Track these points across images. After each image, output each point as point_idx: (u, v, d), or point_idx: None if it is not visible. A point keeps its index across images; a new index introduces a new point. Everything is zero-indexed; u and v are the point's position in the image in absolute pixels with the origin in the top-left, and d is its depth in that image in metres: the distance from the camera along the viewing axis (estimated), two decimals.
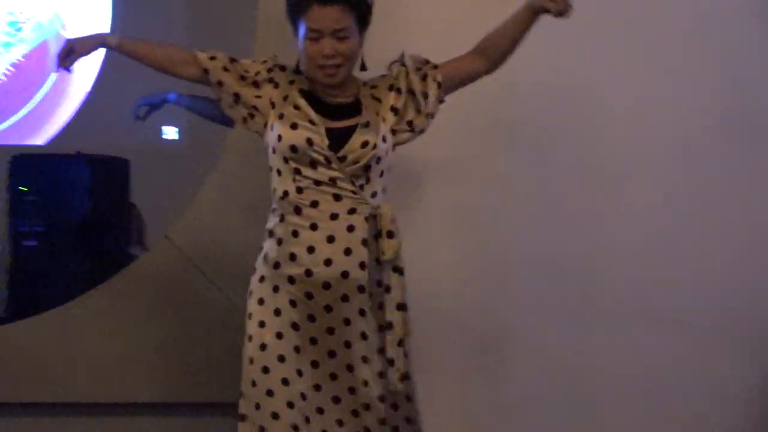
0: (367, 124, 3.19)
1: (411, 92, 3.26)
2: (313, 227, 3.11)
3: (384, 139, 3.20)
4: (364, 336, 3.15)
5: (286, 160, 3.15)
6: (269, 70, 3.26)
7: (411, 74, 3.26)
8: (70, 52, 3.20)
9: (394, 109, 3.25)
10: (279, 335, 3.12)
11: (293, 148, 3.13)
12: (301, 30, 3.15)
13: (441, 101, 3.30)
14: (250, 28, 4.22)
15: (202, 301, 4.23)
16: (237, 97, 3.23)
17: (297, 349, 3.14)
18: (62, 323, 4.28)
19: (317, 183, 3.13)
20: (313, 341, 3.14)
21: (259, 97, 3.24)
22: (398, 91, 3.26)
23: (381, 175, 3.22)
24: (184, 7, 6.66)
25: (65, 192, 5.22)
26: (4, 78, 7.27)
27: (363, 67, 3.27)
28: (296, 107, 3.18)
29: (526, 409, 4.29)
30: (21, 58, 7.18)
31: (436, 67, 3.30)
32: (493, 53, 3.31)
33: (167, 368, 4.25)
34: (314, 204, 3.13)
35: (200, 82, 3.30)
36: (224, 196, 4.23)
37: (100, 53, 3.44)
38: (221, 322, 4.12)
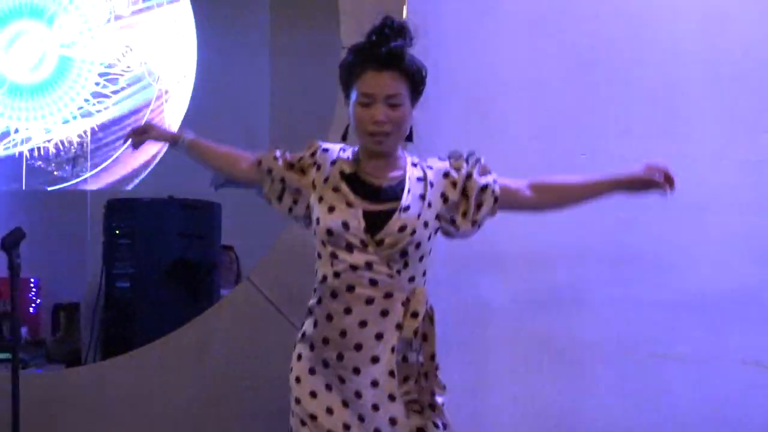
0: (407, 209, 3.06)
1: (465, 194, 3.16)
2: (347, 311, 3.02)
3: (426, 225, 3.08)
4: (392, 421, 3.03)
5: (324, 243, 3.06)
6: (313, 154, 3.18)
7: (473, 179, 3.15)
8: (144, 132, 3.32)
9: (444, 197, 3.14)
10: (313, 417, 3.04)
11: (329, 232, 3.03)
12: (353, 95, 3.07)
13: (492, 214, 3.19)
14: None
15: (282, 340, 4.33)
16: (283, 182, 3.20)
17: None
18: (149, 362, 4.45)
19: (353, 268, 3.02)
20: (347, 428, 3.03)
21: (302, 180, 3.16)
22: (454, 184, 3.15)
23: (421, 260, 3.10)
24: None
25: (158, 235, 5.33)
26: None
27: (410, 138, 3.16)
28: (335, 189, 3.09)
29: None
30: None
31: (495, 181, 3.18)
32: (550, 200, 3.26)
33: (253, 407, 4.38)
34: (350, 288, 3.02)
35: (254, 180, 3.28)
36: (303, 239, 4.33)
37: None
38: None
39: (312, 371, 3.07)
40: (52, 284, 7.19)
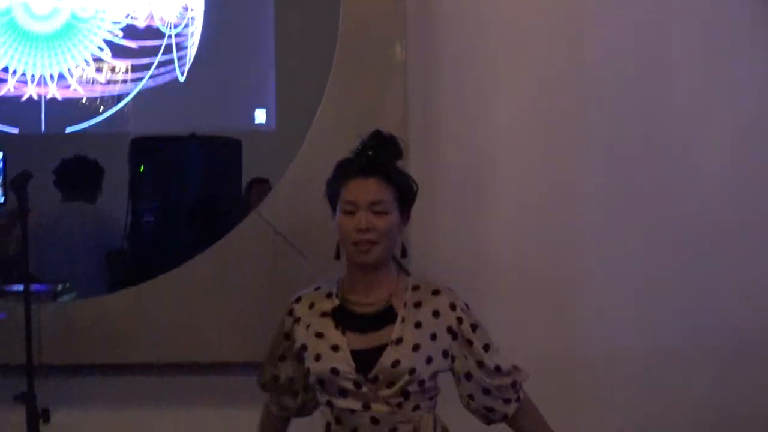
0: (399, 341, 2.85)
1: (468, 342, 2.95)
2: None
3: (429, 360, 2.87)
4: None
5: (320, 392, 2.95)
6: (290, 313, 3.04)
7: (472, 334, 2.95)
8: None
9: (451, 332, 2.93)
10: None
11: (321, 382, 2.89)
12: (339, 206, 2.94)
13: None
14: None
15: (293, 270, 4.54)
16: (279, 378, 3.12)
17: None
18: (166, 290, 4.68)
19: (351, 412, 2.87)
20: None
21: (291, 347, 3.04)
22: (459, 320, 2.94)
23: (425, 392, 2.91)
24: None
25: (181, 171, 5.59)
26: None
27: (404, 253, 3.02)
28: (318, 335, 2.92)
29: None
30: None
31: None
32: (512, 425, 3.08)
33: (262, 329, 4.57)
34: (354, 431, 2.88)
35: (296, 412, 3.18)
36: (310, 174, 4.46)
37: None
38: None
39: None
40: None
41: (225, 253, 4.65)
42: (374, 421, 2.84)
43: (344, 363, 2.85)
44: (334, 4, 4.56)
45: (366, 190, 2.86)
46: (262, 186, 6.58)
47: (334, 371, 2.85)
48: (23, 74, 7.86)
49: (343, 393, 2.86)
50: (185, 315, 4.61)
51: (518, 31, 4.78)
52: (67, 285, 5.12)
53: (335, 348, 2.86)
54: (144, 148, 5.57)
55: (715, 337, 4.77)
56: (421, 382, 2.84)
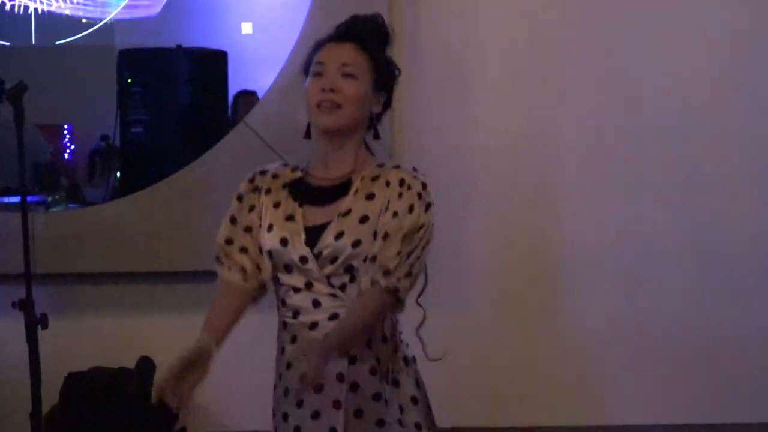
0: (348, 212, 2.64)
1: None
2: (293, 340, 2.66)
3: (377, 234, 2.60)
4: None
5: (273, 268, 2.69)
6: (251, 181, 2.76)
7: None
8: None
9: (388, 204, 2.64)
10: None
11: (269, 254, 2.67)
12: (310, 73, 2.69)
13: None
14: None
15: None
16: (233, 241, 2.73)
17: None
18: (158, 200, 4.83)
19: (295, 290, 2.64)
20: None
21: (251, 214, 2.73)
22: (400, 195, 2.64)
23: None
24: None
25: (168, 82, 5.63)
26: None
27: (376, 135, 2.75)
28: (276, 205, 2.69)
29: None
30: None
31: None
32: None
33: None
34: (295, 314, 2.66)
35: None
36: (297, 83, 4.58)
37: None
38: None
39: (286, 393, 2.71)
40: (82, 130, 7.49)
41: (214, 163, 4.77)
42: (315, 303, 2.63)
43: (295, 234, 2.63)
44: None
45: (338, 53, 2.66)
46: (248, 98, 6.65)
47: (284, 242, 2.63)
48: None
49: (288, 268, 2.65)
50: (177, 224, 4.73)
51: None
52: (57, 197, 5.22)
53: (290, 218, 2.65)
54: (132, 60, 5.63)
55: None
56: (367, 258, 2.59)
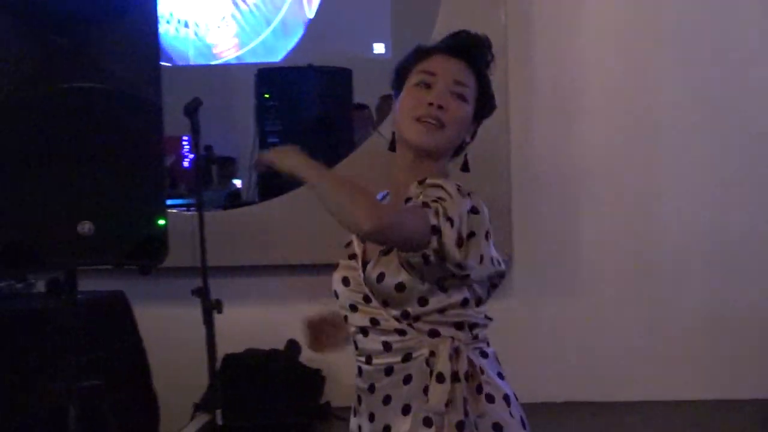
0: (387, 252, 2.23)
1: None
2: (371, 389, 2.31)
3: (405, 263, 2.19)
4: None
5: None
6: None
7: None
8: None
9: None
10: None
11: (336, 295, 2.34)
12: (410, 80, 2.32)
13: None
14: None
15: None
16: None
17: None
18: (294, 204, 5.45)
19: (363, 331, 2.28)
20: None
21: None
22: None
23: (443, 311, 2.24)
24: None
25: (300, 97, 6.24)
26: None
27: (465, 167, 2.37)
28: (347, 244, 2.36)
29: None
30: None
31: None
32: None
33: None
34: (368, 360, 2.30)
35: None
36: None
37: None
38: None
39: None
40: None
41: (350, 170, 5.36)
42: (386, 346, 2.26)
43: (356, 271, 2.28)
44: None
45: (451, 68, 2.29)
46: (359, 112, 7.16)
47: (345, 281, 2.31)
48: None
49: (353, 306, 2.30)
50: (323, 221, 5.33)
51: None
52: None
53: (352, 256, 2.33)
54: (268, 78, 6.27)
55: None
56: (400, 288, 2.21)
